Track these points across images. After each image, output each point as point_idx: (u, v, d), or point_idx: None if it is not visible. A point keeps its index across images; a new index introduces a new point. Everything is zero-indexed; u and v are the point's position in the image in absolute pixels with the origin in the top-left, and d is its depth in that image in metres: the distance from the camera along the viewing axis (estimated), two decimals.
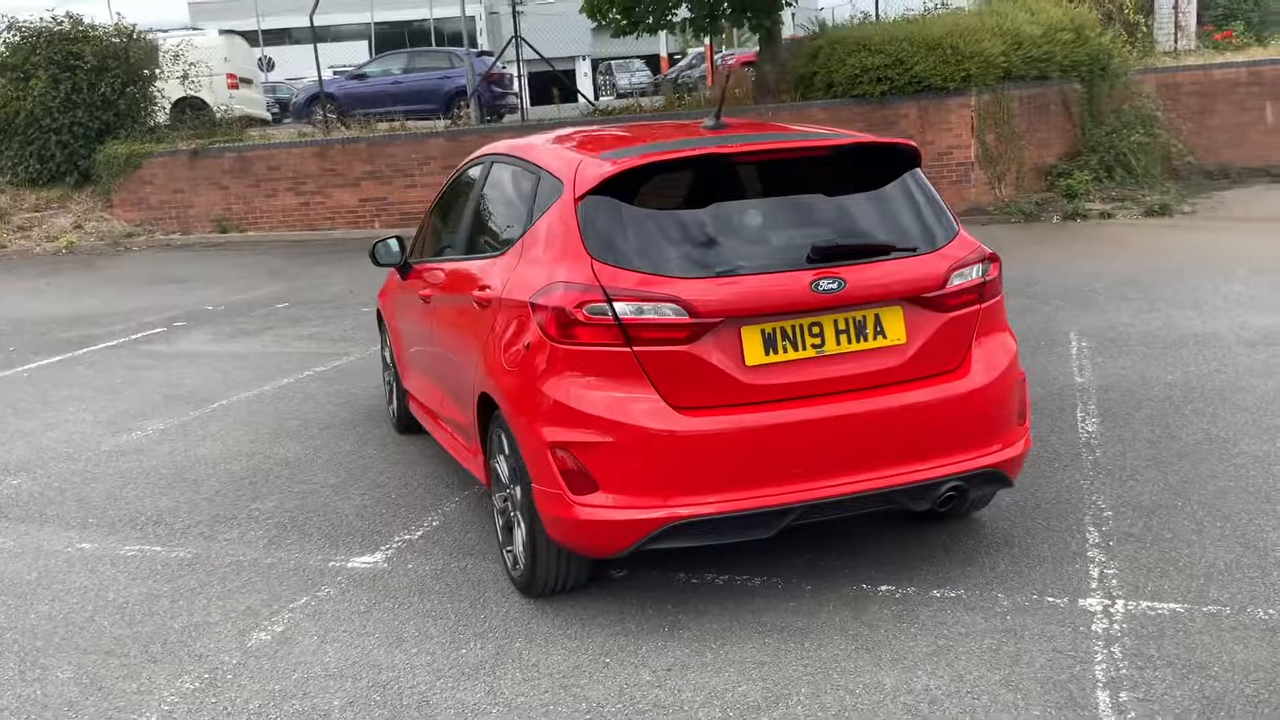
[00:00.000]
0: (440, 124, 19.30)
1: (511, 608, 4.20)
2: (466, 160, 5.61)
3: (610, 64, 45.15)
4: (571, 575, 4.14)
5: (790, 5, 17.07)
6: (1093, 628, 3.75)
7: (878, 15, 18.87)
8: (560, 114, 21.01)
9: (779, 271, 3.80)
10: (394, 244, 5.97)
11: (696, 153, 4.01)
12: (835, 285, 3.78)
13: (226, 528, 5.28)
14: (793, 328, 3.80)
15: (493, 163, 5.07)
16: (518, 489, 4.18)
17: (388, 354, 6.74)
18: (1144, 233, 12.73)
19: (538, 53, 19.38)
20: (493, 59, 21.40)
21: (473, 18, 50.47)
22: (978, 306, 4.07)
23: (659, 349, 3.72)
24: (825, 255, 3.84)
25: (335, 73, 38.89)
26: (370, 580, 4.55)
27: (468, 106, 19.93)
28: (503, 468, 4.34)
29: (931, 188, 4.24)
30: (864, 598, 4.08)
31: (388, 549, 4.88)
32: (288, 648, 4.02)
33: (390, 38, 44.26)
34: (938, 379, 3.97)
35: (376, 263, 6.02)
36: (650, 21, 17.86)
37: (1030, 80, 15.62)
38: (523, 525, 4.18)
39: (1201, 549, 4.30)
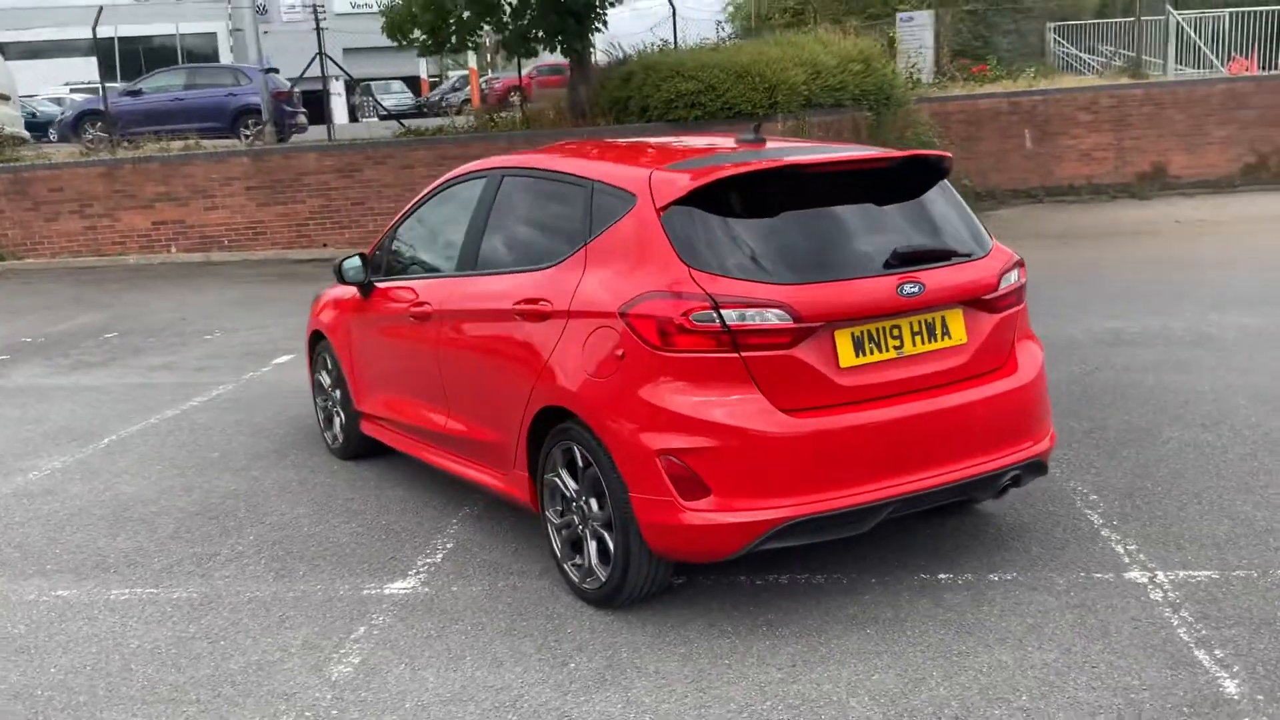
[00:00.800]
0: (240, 143, 18.48)
1: (593, 621, 4.18)
2: (452, 177, 5.51)
3: (369, 84, 44.31)
4: (657, 583, 4.17)
5: (601, 30, 17.37)
6: (1151, 596, 4.11)
7: (676, 44, 19.48)
8: (370, 131, 20.55)
9: (867, 277, 3.99)
10: (359, 262, 5.79)
11: (780, 164, 4.14)
12: (916, 289, 4.01)
13: (217, 565, 4.96)
14: (878, 330, 3.99)
15: (503, 177, 5.02)
16: (593, 501, 4.17)
17: (325, 378, 6.49)
18: None
19: (343, 69, 18.85)
20: (295, 76, 20.64)
21: (214, 34, 48.38)
22: (1017, 308, 4.39)
23: (764, 354, 3.83)
24: (903, 260, 4.06)
25: (72, 91, 36.32)
26: (423, 605, 4.41)
27: (259, 125, 19.16)
28: (567, 482, 4.31)
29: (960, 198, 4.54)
30: (930, 586, 4.30)
31: (416, 574, 4.73)
32: (380, 678, 3.85)
33: (126, 55, 41.71)
34: (992, 376, 4.25)
35: (343, 280, 5.83)
36: (455, 42, 17.78)
37: (827, 107, 16.51)
38: (596, 538, 4.19)
39: (1193, 523, 4.77)
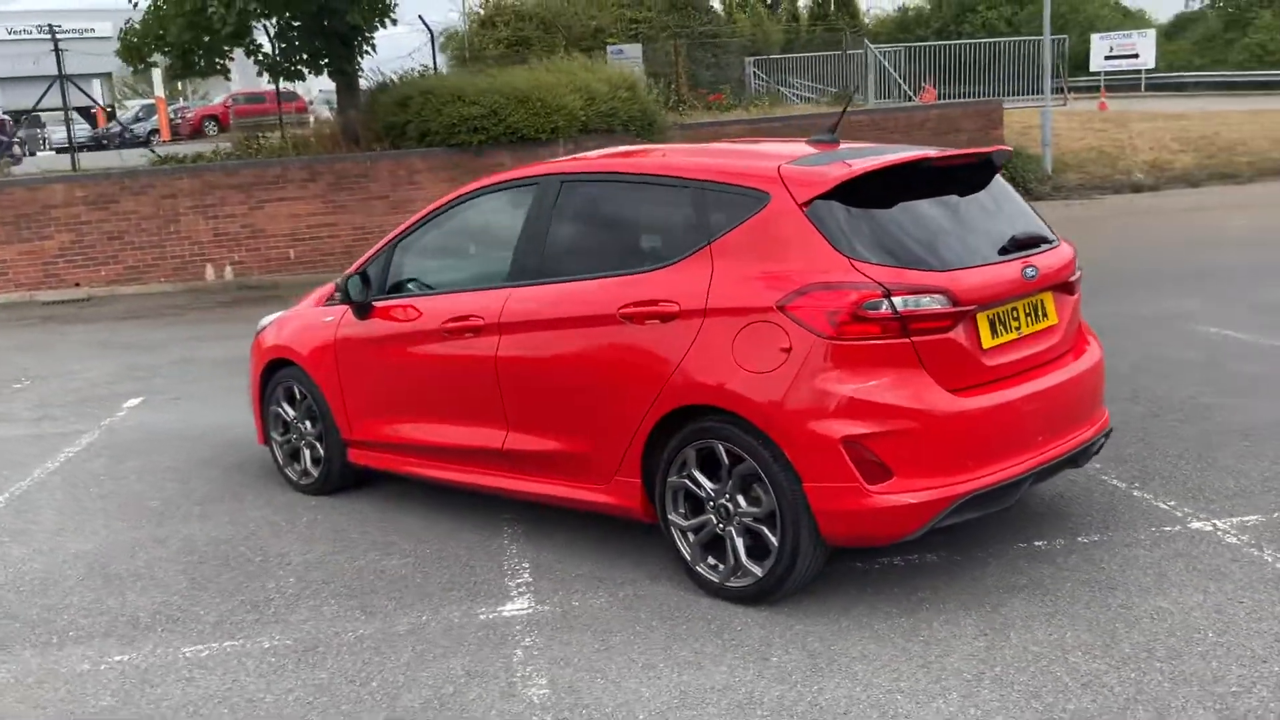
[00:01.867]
0: None
1: (751, 617, 4.17)
2: (480, 187, 5.30)
3: (38, 115, 40.62)
4: (813, 573, 4.22)
5: (371, 53, 16.94)
6: (1227, 541, 4.59)
7: (436, 69, 19.27)
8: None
9: (996, 263, 4.24)
10: (360, 281, 5.47)
11: (915, 158, 4.32)
12: (1034, 273, 4.31)
13: (281, 610, 4.55)
14: (1005, 312, 4.26)
15: (562, 184, 4.90)
16: (740, 498, 4.18)
17: (288, 411, 6.05)
18: None
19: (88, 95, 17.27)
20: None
21: None
22: (1079, 292, 4.78)
23: (929, 338, 4.00)
24: (1017, 246, 4.35)
25: None
26: (561, 623, 4.24)
27: None
28: (702, 483, 4.29)
29: None
30: (1037, 554, 4.59)
31: (520, 595, 4.53)
32: (586, 694, 3.70)
33: None
34: (1074, 354, 4.62)
35: (350, 300, 5.48)
36: (203, 66, 16.83)
37: (601, 133, 16.86)
38: (745, 535, 4.20)
39: (1211, 479, 5.28)
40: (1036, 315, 4.42)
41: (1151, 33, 33.03)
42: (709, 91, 25.91)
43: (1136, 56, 32.73)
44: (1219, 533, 4.67)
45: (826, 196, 4.13)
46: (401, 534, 5.32)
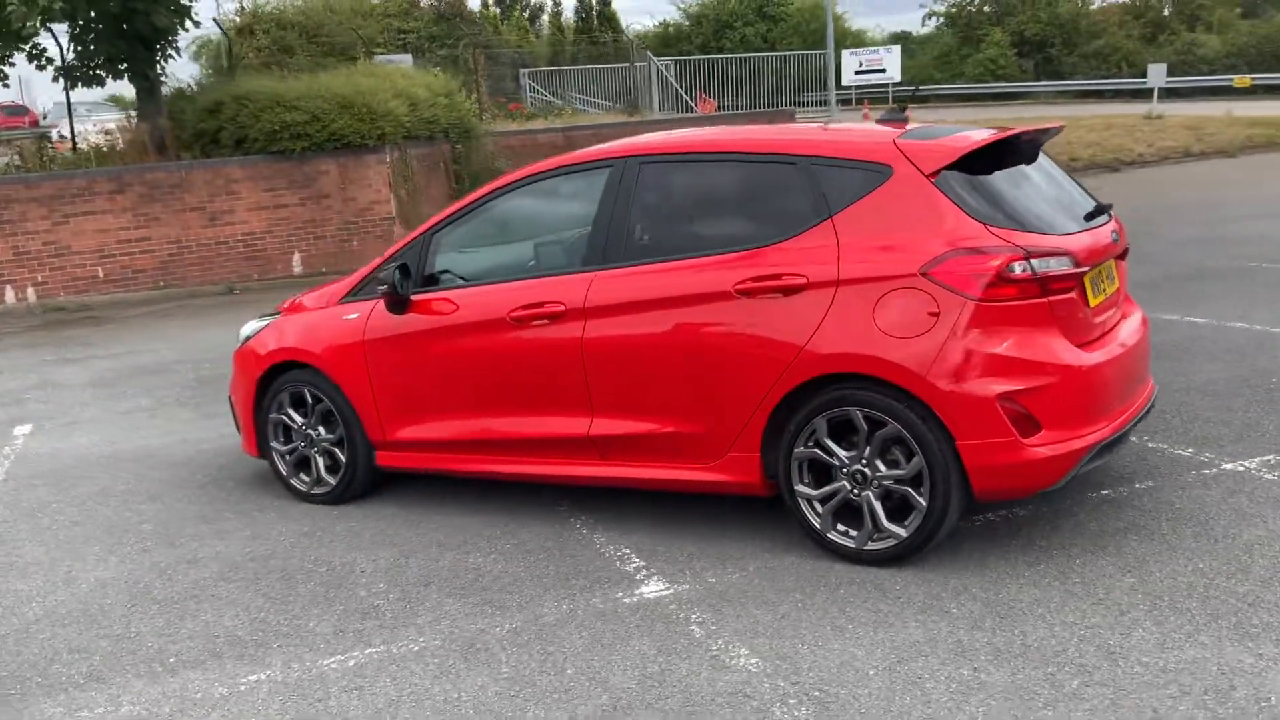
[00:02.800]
0: None
1: (901, 577, 4.28)
2: (534, 173, 5.17)
3: None
4: (952, 528, 4.38)
5: (176, 57, 15.96)
6: (1265, 477, 5.06)
7: (234, 73, 18.34)
8: None
9: (1090, 228, 4.54)
10: (403, 274, 5.23)
11: (1012, 132, 4.55)
12: (1116, 238, 4.65)
13: (404, 614, 4.31)
14: (1099, 274, 4.57)
15: (641, 165, 4.86)
16: (879, 462, 4.29)
17: (293, 417, 5.70)
18: None
19: None
20: None
21: None
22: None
23: (1060, 298, 4.25)
24: (1093, 214, 4.68)
25: None
26: (716, 599, 4.23)
27: None
28: (835, 451, 4.37)
29: None
30: (1114, 501, 4.92)
31: (647, 577, 4.47)
32: (807, 658, 3.71)
33: None
34: (1128, 317, 4.99)
35: (396, 293, 5.21)
36: None
37: (423, 140, 16.59)
38: (885, 498, 4.32)
39: (1205, 429, 5.74)
40: (1109, 279, 4.76)
41: (897, 49, 35.29)
42: (507, 101, 25.82)
43: (884, 71, 34.91)
44: (1254, 471, 5.15)
45: (952, 167, 4.31)
46: (465, 532, 5.12)
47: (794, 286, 4.39)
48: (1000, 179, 4.47)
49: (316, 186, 15.44)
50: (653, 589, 4.36)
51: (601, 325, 4.78)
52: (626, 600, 4.28)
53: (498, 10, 41.52)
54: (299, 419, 5.70)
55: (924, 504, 4.25)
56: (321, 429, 5.63)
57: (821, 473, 4.46)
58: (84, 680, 3.96)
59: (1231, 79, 33.33)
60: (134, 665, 4.05)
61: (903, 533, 4.31)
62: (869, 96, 31.82)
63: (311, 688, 3.78)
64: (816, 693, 3.51)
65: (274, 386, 5.74)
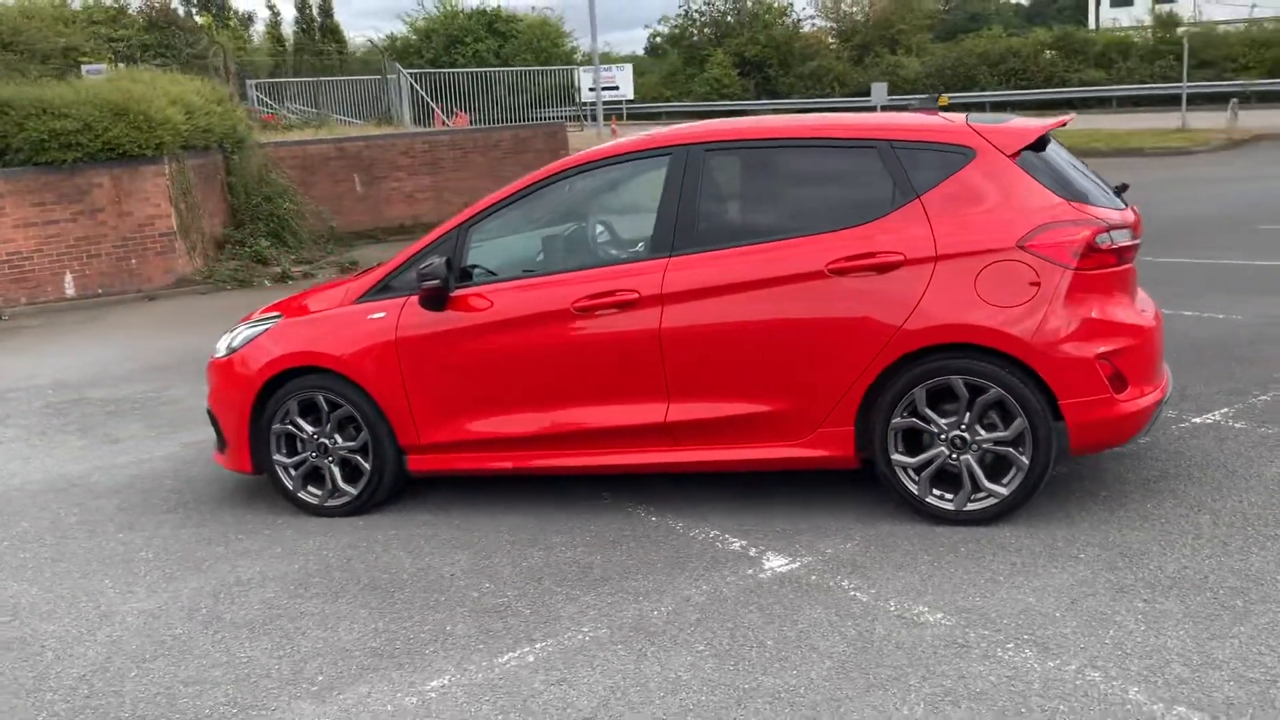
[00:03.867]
0: None
1: (1010, 533, 4.54)
2: (584, 161, 5.11)
3: None
4: None
5: None
6: (1236, 425, 5.69)
7: None
8: None
9: (1125, 207, 4.99)
10: (447, 268, 5.03)
11: (1061, 122, 4.92)
12: (1134, 216, 5.14)
13: (542, 610, 4.17)
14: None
15: (705, 152, 4.91)
16: (979, 427, 4.55)
17: (303, 426, 5.34)
18: None
19: None
20: None
21: None
22: None
23: (1128, 266, 4.68)
24: (1118, 191, 5.15)
25: None
26: (855, 566, 4.33)
27: None
28: (933, 419, 4.58)
29: None
30: (1129, 455, 5.41)
31: (767, 553, 4.53)
32: (987, 609, 3.90)
33: None
34: None
35: (445, 288, 4.99)
36: None
37: (199, 150, 15.71)
38: (984, 460, 4.57)
39: (1244, 385, 6.40)
40: None
41: (629, 68, 36.48)
42: (262, 112, 24.61)
43: (618, 88, 35.92)
44: (1223, 422, 5.76)
45: (1030, 148, 4.65)
46: (528, 530, 4.98)
47: (889, 264, 4.58)
48: (1054, 160, 4.84)
49: (89, 200, 14.27)
50: (779, 563, 4.43)
51: (681, 310, 4.79)
52: (762, 576, 4.32)
53: (212, 18, 39.41)
54: (309, 428, 5.34)
55: (1026, 462, 4.54)
56: (338, 436, 5.31)
57: (915, 441, 4.67)
58: (238, 710, 3.60)
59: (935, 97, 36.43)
60: (279, 689, 3.71)
61: (1004, 491, 4.58)
62: (615, 113, 32.60)
63: (512, 685, 3.60)
64: (1025, 636, 3.70)
65: (277, 395, 5.35)
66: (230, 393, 5.47)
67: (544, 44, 38.47)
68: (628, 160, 5.12)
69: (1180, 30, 38.54)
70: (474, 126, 26.39)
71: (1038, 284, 4.46)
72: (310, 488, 5.40)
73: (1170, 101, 33.05)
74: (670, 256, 4.86)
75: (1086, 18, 52.44)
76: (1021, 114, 33.21)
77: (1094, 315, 4.49)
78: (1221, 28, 38.33)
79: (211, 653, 4.01)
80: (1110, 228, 4.54)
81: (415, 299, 5.13)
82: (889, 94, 35.68)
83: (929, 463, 4.65)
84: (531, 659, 3.78)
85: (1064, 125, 4.98)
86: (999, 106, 37.83)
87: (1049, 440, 4.50)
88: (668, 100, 42.96)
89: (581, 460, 5.07)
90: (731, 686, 3.52)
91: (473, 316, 5.06)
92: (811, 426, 4.74)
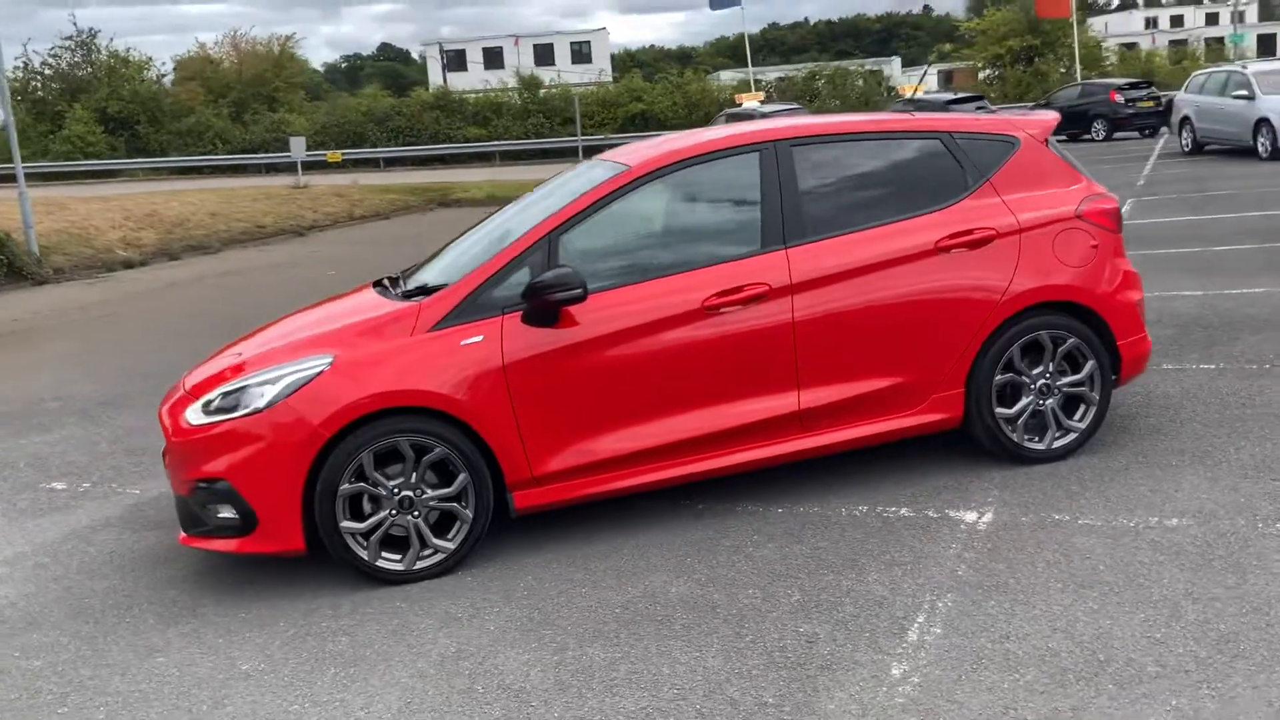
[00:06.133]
0: None
1: (1096, 465, 5.24)
2: (672, 163, 4.94)
3: None
4: None
5: None
6: (1204, 367, 6.58)
7: None
8: None
9: None
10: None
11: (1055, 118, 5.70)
12: None
13: (783, 620, 4.08)
14: None
15: (792, 147, 5.01)
16: (1061, 375, 5.20)
17: (385, 482, 4.51)
18: None
19: None
20: None
21: None
22: None
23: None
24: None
25: None
26: (1040, 503, 4.75)
27: None
28: (1027, 371, 5.14)
29: None
30: (1125, 405, 6.36)
31: (942, 512, 4.77)
32: (1221, 526, 4.55)
33: None
34: None
35: (567, 299, 4.55)
36: None
37: None
38: (1063, 401, 5.24)
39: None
40: None
41: None
42: None
43: None
44: (1194, 369, 6.54)
45: (1052, 135, 5.42)
46: (687, 551, 4.70)
47: (985, 239, 5.08)
48: (1059, 146, 5.64)
49: None
50: (972, 518, 4.69)
51: (810, 299, 4.87)
52: (981, 527, 4.58)
53: None
54: (393, 482, 4.53)
55: (1097, 399, 5.27)
56: (425, 487, 4.57)
57: (1011, 394, 5.19)
58: None
59: (325, 154, 36.23)
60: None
61: (1081, 425, 5.27)
62: None
63: (947, 680, 3.57)
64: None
65: (340, 450, 4.46)
66: (277, 453, 4.43)
67: None
68: (716, 158, 5.06)
69: (542, 92, 42.58)
70: None
71: (1096, 246, 5.23)
72: (392, 553, 4.58)
73: (556, 154, 36.40)
74: (787, 248, 4.91)
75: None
76: (411, 169, 34.70)
77: (1125, 270, 5.37)
78: (574, 90, 43.04)
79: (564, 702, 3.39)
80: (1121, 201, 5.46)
81: (512, 317, 4.62)
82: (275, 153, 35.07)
83: (1022, 412, 5.19)
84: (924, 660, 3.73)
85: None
86: (391, 162, 38.99)
87: (1107, 376, 5.26)
88: (25, 160, 37.94)
89: (706, 464, 4.88)
90: (1126, 606, 3.80)
91: (589, 328, 4.67)
92: (926, 394, 5.06)
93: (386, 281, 5.44)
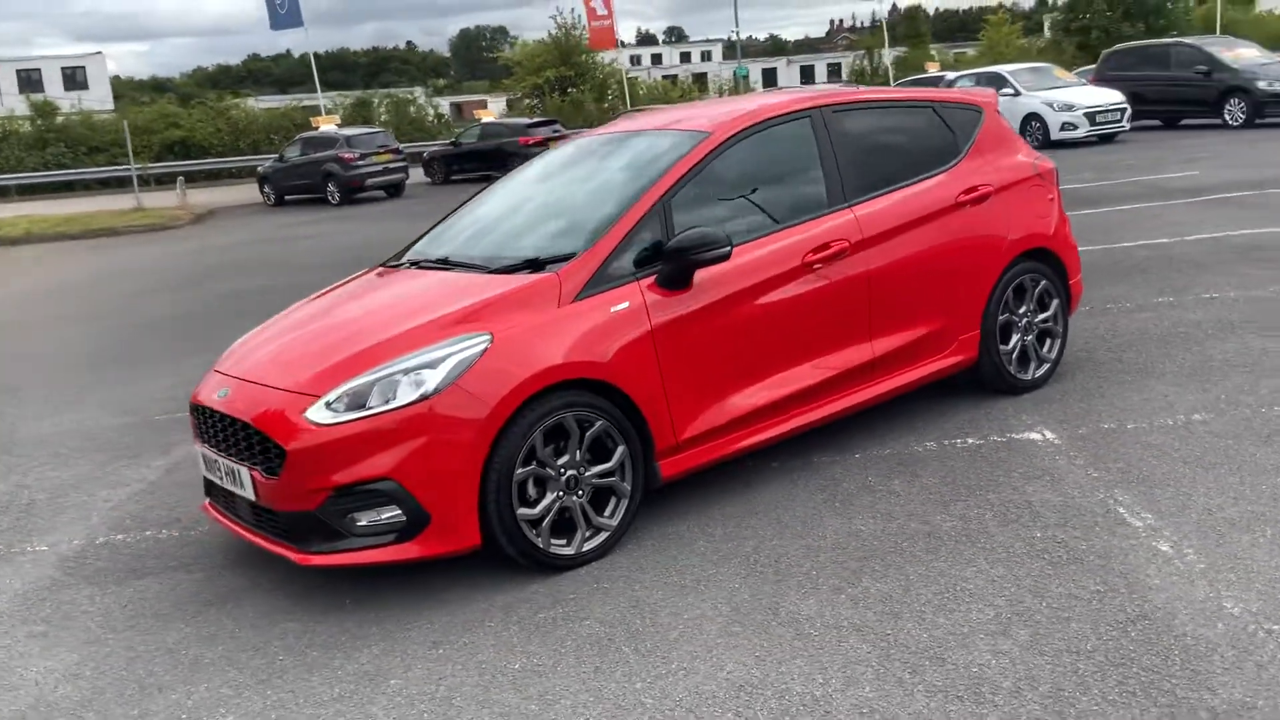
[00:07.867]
0: None
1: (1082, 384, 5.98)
2: (747, 127, 4.99)
3: None
4: None
5: None
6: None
7: None
8: None
9: None
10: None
11: (993, 94, 6.32)
12: None
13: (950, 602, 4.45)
14: None
15: (833, 111, 5.27)
16: (1037, 313, 5.90)
17: (555, 461, 4.23)
18: None
19: None
20: None
21: None
22: None
23: None
24: None
25: None
26: (1109, 444, 5.37)
27: None
28: (1018, 309, 5.75)
29: None
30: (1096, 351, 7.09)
31: (1024, 433, 5.25)
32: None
33: None
34: None
35: (729, 253, 4.52)
36: None
37: None
38: (1036, 338, 5.96)
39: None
40: None
41: None
42: None
43: None
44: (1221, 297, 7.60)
45: (997, 111, 6.12)
46: (818, 501, 4.81)
47: (985, 195, 5.64)
48: None
49: None
50: (1054, 436, 5.23)
51: (875, 253, 5.15)
52: (1081, 433, 5.12)
53: None
54: (561, 460, 4.26)
55: (1061, 331, 6.04)
56: (588, 463, 4.35)
57: (1007, 332, 5.78)
58: None
59: None
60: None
61: (1051, 356, 5.98)
62: None
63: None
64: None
65: (513, 431, 4.14)
66: (451, 443, 4.00)
67: None
68: (783, 121, 5.18)
69: (60, 119, 38.50)
70: None
71: (1052, 200, 6.00)
72: (560, 538, 4.29)
73: (102, 185, 33.06)
74: (849, 206, 5.18)
75: None
76: None
77: (1067, 219, 6.20)
78: (98, 117, 39.23)
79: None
80: None
81: (646, 282, 4.53)
82: None
83: (1015, 348, 5.82)
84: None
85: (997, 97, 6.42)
86: None
87: (1067, 312, 6.07)
88: None
89: (808, 417, 4.98)
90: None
91: (714, 289, 4.64)
92: (955, 337, 5.53)
93: (413, 263, 5.19)
